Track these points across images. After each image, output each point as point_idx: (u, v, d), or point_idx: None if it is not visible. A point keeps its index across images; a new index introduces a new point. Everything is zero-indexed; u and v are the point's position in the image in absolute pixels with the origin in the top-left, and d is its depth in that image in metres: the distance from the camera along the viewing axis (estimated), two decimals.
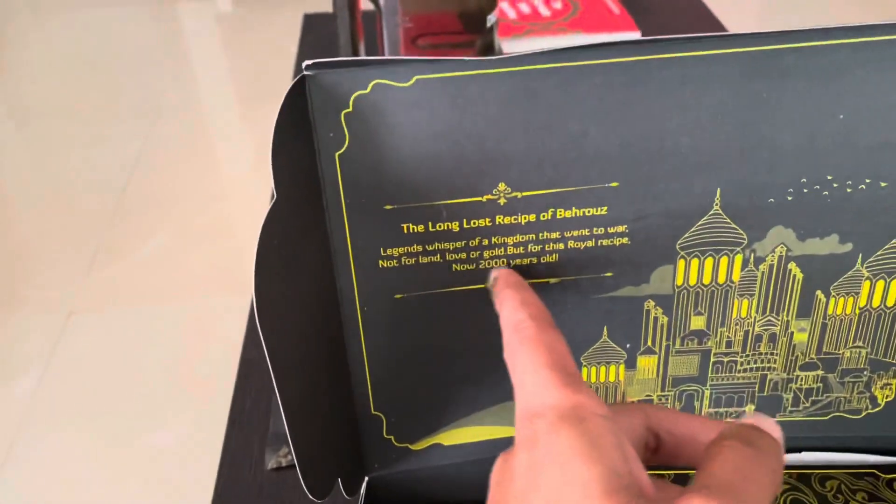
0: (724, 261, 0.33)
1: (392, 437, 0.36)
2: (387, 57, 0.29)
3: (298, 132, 0.29)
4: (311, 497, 0.31)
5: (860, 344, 0.34)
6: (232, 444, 0.48)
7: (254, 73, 2.09)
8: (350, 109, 0.29)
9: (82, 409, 1.26)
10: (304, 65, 0.28)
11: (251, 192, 1.57)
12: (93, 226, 1.66)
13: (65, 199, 1.77)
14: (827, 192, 0.31)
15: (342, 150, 0.30)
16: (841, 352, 0.34)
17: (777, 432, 0.24)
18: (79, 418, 1.24)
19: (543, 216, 0.32)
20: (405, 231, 0.32)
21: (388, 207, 0.31)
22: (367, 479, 0.37)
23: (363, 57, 0.29)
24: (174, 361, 1.29)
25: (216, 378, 1.14)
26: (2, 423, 1.26)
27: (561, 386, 0.24)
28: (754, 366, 0.35)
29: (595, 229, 0.32)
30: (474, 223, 0.32)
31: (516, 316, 0.28)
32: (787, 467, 0.35)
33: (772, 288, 0.33)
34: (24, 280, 1.56)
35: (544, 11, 0.87)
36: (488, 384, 0.36)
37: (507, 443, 0.39)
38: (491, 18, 0.61)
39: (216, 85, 2.24)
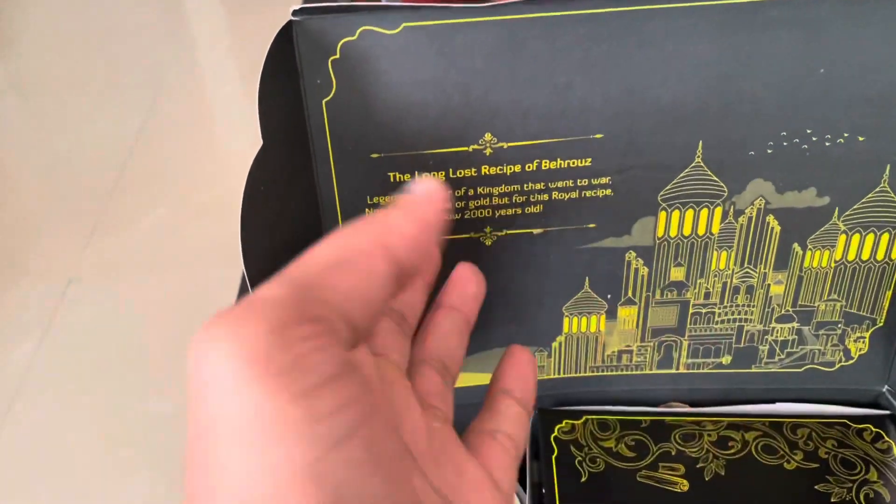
0: (704, 213, 0.33)
1: None
2: (375, 3, 0.30)
3: (285, 79, 0.30)
4: None
5: (835, 297, 0.35)
6: None
7: (257, 50, 2.08)
8: (337, 56, 0.30)
9: (80, 376, 1.27)
10: (291, 10, 0.29)
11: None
12: (93, 197, 1.67)
13: (66, 170, 1.78)
14: (806, 146, 0.32)
15: (329, 97, 0.30)
16: (816, 304, 0.35)
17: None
18: (76, 385, 1.25)
19: (528, 167, 0.32)
20: (391, 180, 0.32)
21: (374, 156, 0.32)
22: None
23: (351, 3, 0.30)
24: (172, 332, 1.30)
25: None
26: (0, 389, 1.27)
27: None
28: (731, 317, 0.36)
29: (579, 181, 0.33)
30: (460, 173, 0.32)
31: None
32: (761, 416, 0.36)
33: (750, 240, 0.34)
34: (25, 249, 1.57)
35: None
36: (473, 333, 0.37)
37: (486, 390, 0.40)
38: None
39: (219, 60, 2.23)
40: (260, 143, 0.28)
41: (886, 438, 0.35)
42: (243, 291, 0.57)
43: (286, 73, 0.30)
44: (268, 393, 0.15)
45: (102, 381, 1.30)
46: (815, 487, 0.33)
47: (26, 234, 1.62)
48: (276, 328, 0.16)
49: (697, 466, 0.34)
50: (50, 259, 1.53)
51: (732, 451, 0.35)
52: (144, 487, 1.12)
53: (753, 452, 0.34)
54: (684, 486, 0.33)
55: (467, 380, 0.38)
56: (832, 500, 0.32)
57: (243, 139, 1.95)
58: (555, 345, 0.37)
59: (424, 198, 0.23)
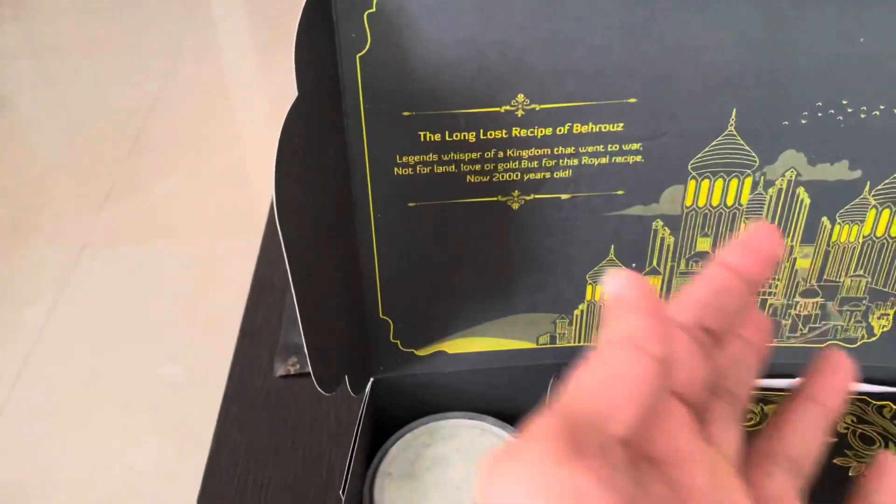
0: (734, 183, 0.33)
1: (398, 342, 0.37)
2: None
3: (321, 32, 0.30)
4: (319, 389, 0.33)
5: (861, 273, 0.35)
6: (242, 355, 0.49)
7: (275, 19, 2.08)
8: (374, 9, 0.29)
9: (92, 340, 1.28)
10: None
11: (267, 138, 1.57)
12: (109, 163, 1.67)
13: (82, 135, 1.78)
14: (841, 117, 0.31)
15: (363, 52, 0.30)
16: (842, 280, 0.35)
17: None
18: (88, 349, 1.26)
19: (560, 130, 0.32)
20: (422, 139, 0.32)
21: (406, 114, 0.32)
22: (371, 380, 0.38)
23: None
24: (184, 298, 1.31)
25: (224, 316, 1.16)
26: (13, 349, 1.28)
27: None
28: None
29: (610, 146, 0.33)
30: (490, 134, 0.32)
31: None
32: (780, 390, 0.36)
33: (779, 212, 0.34)
34: (40, 212, 1.57)
35: None
36: (496, 297, 0.37)
37: (509, 355, 0.40)
38: None
39: (236, 29, 2.23)
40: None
41: None
42: (265, 248, 0.58)
43: (322, 27, 0.30)
44: None
45: (114, 345, 1.31)
46: (833, 461, 0.33)
47: (41, 198, 1.63)
48: (558, 464, 0.17)
49: None
50: (64, 223, 1.54)
51: (751, 422, 0.35)
52: (154, 451, 1.13)
53: None
54: None
55: (487, 344, 0.38)
56: (850, 475, 0.32)
57: (259, 109, 1.94)
58: (577, 312, 0.37)
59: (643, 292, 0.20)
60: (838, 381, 0.23)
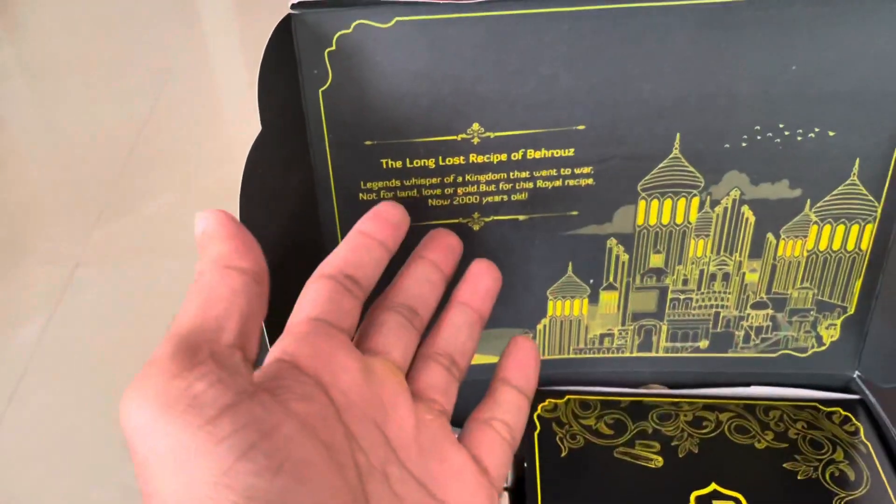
0: (681, 202, 0.35)
1: None
2: None
3: (284, 69, 0.31)
4: None
5: (807, 285, 0.37)
6: None
7: (265, 40, 2.10)
8: (333, 48, 0.31)
9: (85, 360, 1.29)
10: (290, 4, 0.31)
11: None
12: (101, 181, 1.68)
13: (74, 153, 1.79)
14: (779, 140, 0.33)
15: (325, 87, 0.32)
16: (789, 292, 0.37)
17: None
18: (82, 368, 1.27)
19: (514, 156, 0.34)
20: (384, 166, 0.34)
21: (368, 143, 0.33)
22: None
23: None
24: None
25: None
26: (6, 369, 1.29)
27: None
28: (708, 303, 0.37)
29: (562, 170, 0.34)
30: (449, 161, 0.34)
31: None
32: (736, 398, 0.38)
33: (726, 229, 0.35)
34: (32, 231, 1.59)
35: None
36: None
37: (476, 370, 0.42)
38: None
39: (227, 49, 2.24)
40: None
41: (854, 421, 0.37)
42: None
43: (285, 64, 0.31)
44: (178, 428, 0.19)
45: (108, 365, 1.32)
46: (784, 465, 0.35)
47: (33, 217, 1.64)
48: (174, 377, 0.20)
49: (672, 444, 0.36)
50: (57, 242, 1.55)
51: (706, 430, 0.36)
52: None
53: (726, 432, 0.36)
54: (659, 462, 0.35)
55: None
56: (798, 478, 0.34)
57: (250, 127, 1.95)
58: (539, 327, 0.39)
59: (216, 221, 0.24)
60: (482, 286, 0.31)
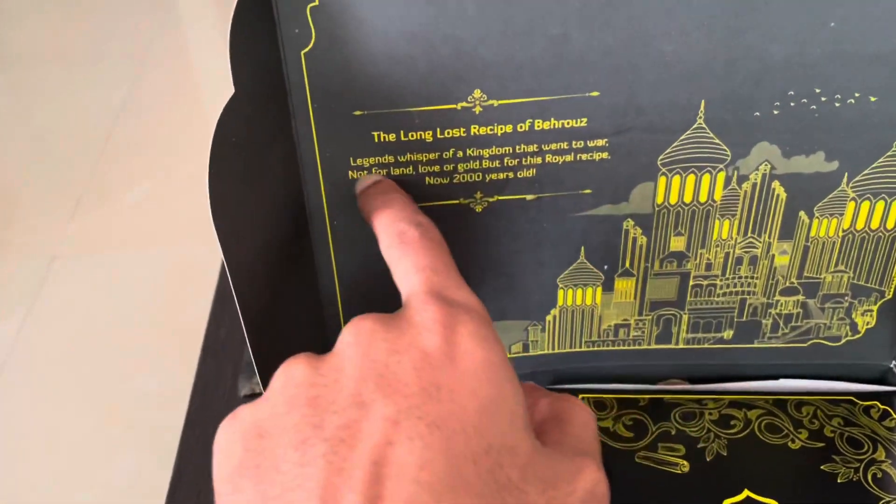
0: (706, 178, 0.32)
1: None
2: None
3: (261, 25, 0.28)
4: None
5: (842, 268, 0.33)
6: (205, 372, 0.47)
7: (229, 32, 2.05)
8: (316, 3, 0.27)
9: (64, 354, 1.25)
10: None
11: None
12: (77, 171, 1.64)
13: (49, 143, 1.75)
14: (815, 107, 0.30)
15: (308, 48, 0.28)
16: (822, 276, 0.34)
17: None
18: (61, 362, 1.24)
19: (521, 127, 0.30)
20: (376, 140, 0.30)
21: (357, 113, 0.30)
22: None
23: None
24: (157, 307, 1.28)
25: (199, 326, 1.14)
26: None
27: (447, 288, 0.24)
28: (734, 290, 0.34)
29: (574, 143, 0.31)
30: (448, 133, 0.30)
31: (398, 226, 0.27)
32: (764, 393, 0.35)
33: (754, 208, 0.32)
34: (8, 224, 1.54)
35: None
36: None
37: None
38: None
39: (204, 32, 2.20)
40: None
41: (894, 416, 0.34)
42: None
43: (262, 19, 0.28)
44: None
45: (87, 358, 1.28)
46: (821, 467, 0.31)
47: (8, 209, 1.59)
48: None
49: (698, 447, 0.32)
50: (33, 235, 1.50)
51: (734, 430, 0.33)
52: (131, 464, 1.10)
53: (756, 431, 0.33)
54: (685, 466, 0.31)
55: None
56: (839, 481, 0.31)
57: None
58: (549, 318, 0.35)
59: None
60: None
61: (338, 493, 0.17)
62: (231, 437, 0.21)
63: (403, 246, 0.26)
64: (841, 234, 0.33)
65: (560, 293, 0.35)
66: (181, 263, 1.36)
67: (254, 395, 0.45)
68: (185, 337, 1.23)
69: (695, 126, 0.30)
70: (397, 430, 0.18)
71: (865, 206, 0.32)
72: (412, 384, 0.20)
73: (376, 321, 0.22)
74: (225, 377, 0.47)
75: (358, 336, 0.21)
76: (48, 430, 1.15)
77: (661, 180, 0.32)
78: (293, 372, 0.21)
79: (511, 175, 0.32)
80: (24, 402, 1.19)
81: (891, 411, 0.34)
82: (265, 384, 0.30)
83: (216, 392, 0.46)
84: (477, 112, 0.30)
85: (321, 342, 0.35)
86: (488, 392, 0.20)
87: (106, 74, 1.94)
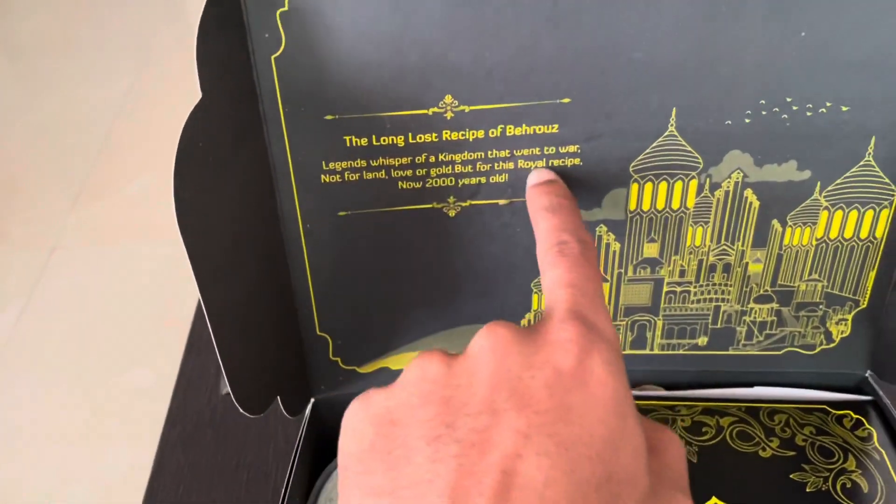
0: (678, 185, 0.31)
1: (339, 360, 0.36)
2: None
3: (230, 31, 0.28)
4: (242, 411, 0.31)
5: (816, 277, 0.33)
6: (188, 370, 0.47)
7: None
8: (286, 8, 0.27)
9: (62, 346, 1.26)
10: None
11: None
12: (78, 163, 1.65)
13: (51, 135, 1.75)
14: (786, 115, 0.30)
15: (278, 53, 0.28)
16: (796, 284, 0.33)
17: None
18: (59, 354, 1.24)
19: (492, 132, 0.30)
20: (348, 144, 0.30)
21: (329, 118, 0.30)
22: (312, 400, 0.36)
23: None
24: (156, 300, 1.29)
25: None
26: None
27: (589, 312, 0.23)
28: (708, 296, 0.34)
29: (546, 148, 0.31)
30: (420, 138, 0.30)
31: (561, 235, 0.27)
32: (737, 400, 0.35)
33: (727, 215, 0.32)
34: (8, 215, 1.55)
35: None
36: (437, 309, 0.35)
37: None
38: None
39: None
40: None
41: (867, 426, 0.33)
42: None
43: (230, 24, 0.28)
44: None
45: (85, 350, 1.28)
46: (791, 476, 0.31)
47: (9, 200, 1.59)
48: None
49: None
50: (33, 226, 1.51)
51: (706, 437, 0.33)
52: (125, 457, 1.11)
53: (728, 439, 0.33)
54: None
55: None
56: (807, 490, 0.31)
57: None
58: (524, 322, 0.35)
59: None
60: None
61: (468, 496, 0.18)
62: (363, 418, 0.21)
63: (561, 257, 0.25)
64: (815, 242, 0.32)
65: (535, 297, 0.35)
66: (180, 257, 1.36)
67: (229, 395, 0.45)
68: (182, 331, 1.24)
69: (666, 133, 0.30)
70: (527, 445, 0.19)
71: (839, 215, 0.32)
72: (544, 401, 0.20)
73: (513, 331, 0.22)
74: (207, 375, 0.47)
75: (494, 343, 0.21)
76: (43, 421, 1.15)
77: (634, 187, 0.32)
78: (428, 367, 0.21)
79: (483, 180, 0.31)
80: (21, 392, 1.19)
81: (864, 421, 0.34)
82: (232, 382, 0.30)
83: (198, 390, 0.46)
84: (448, 117, 0.30)
85: (294, 342, 0.35)
86: (616, 423, 0.20)
87: (109, 66, 1.94)
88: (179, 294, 1.28)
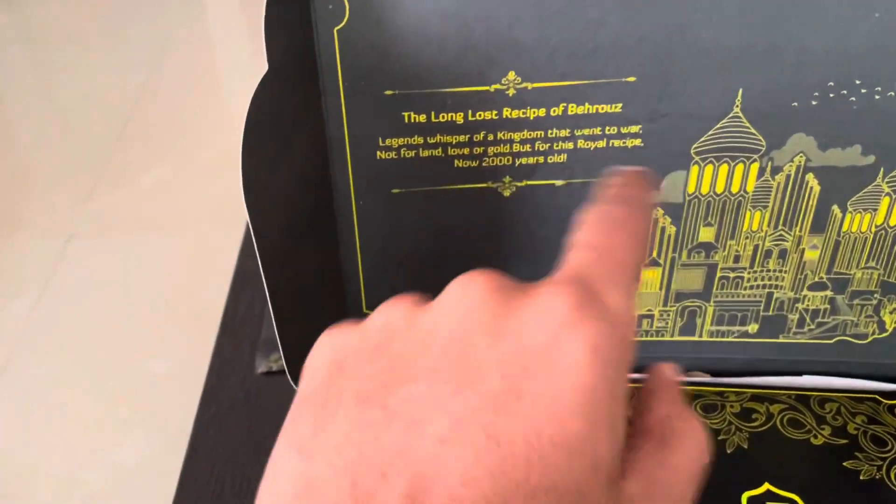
0: (739, 168, 0.31)
1: None
2: None
3: (295, 1, 0.28)
4: (295, 387, 0.30)
5: (873, 264, 0.33)
6: (222, 350, 0.47)
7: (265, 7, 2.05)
8: None
9: (78, 334, 1.26)
10: None
11: None
12: (96, 152, 1.65)
13: (69, 124, 1.75)
14: (854, 98, 0.29)
15: (341, 25, 0.28)
16: (852, 272, 0.33)
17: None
18: (74, 342, 1.24)
19: (554, 111, 0.30)
20: (406, 120, 0.30)
21: (388, 93, 0.30)
22: None
23: None
24: (171, 290, 1.29)
25: (213, 309, 1.14)
26: None
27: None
28: (761, 283, 0.34)
29: (608, 128, 0.30)
30: (480, 115, 0.30)
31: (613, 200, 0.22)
32: (787, 388, 0.34)
33: (787, 200, 0.32)
34: (25, 204, 1.55)
35: None
36: None
37: None
38: None
39: (227, 16, 2.20)
40: None
41: None
42: (247, 241, 0.55)
43: None
44: None
45: (100, 339, 1.28)
46: (844, 464, 0.31)
47: (26, 189, 1.60)
48: None
49: (719, 438, 0.32)
50: (50, 214, 1.51)
51: (756, 423, 0.33)
52: (139, 445, 1.11)
53: (779, 425, 0.32)
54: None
55: None
56: (861, 478, 0.30)
57: (250, 98, 1.91)
58: None
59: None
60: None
61: (372, 478, 0.15)
62: (320, 356, 0.19)
63: (597, 219, 0.21)
64: (874, 229, 0.32)
65: None
66: (197, 246, 1.36)
67: (271, 373, 0.45)
68: (198, 320, 1.24)
69: (731, 115, 0.30)
70: (454, 430, 0.16)
71: None
72: (492, 381, 0.16)
73: (495, 284, 0.18)
74: (242, 355, 0.47)
75: (464, 295, 0.18)
76: (59, 408, 1.15)
77: (694, 169, 0.31)
78: (393, 314, 0.19)
79: (541, 160, 0.31)
80: (38, 381, 1.20)
81: None
82: (288, 358, 0.30)
83: (232, 370, 0.46)
84: (510, 94, 0.30)
85: (342, 319, 0.35)
86: (577, 427, 0.16)
87: (128, 57, 1.95)
88: (196, 284, 1.28)
